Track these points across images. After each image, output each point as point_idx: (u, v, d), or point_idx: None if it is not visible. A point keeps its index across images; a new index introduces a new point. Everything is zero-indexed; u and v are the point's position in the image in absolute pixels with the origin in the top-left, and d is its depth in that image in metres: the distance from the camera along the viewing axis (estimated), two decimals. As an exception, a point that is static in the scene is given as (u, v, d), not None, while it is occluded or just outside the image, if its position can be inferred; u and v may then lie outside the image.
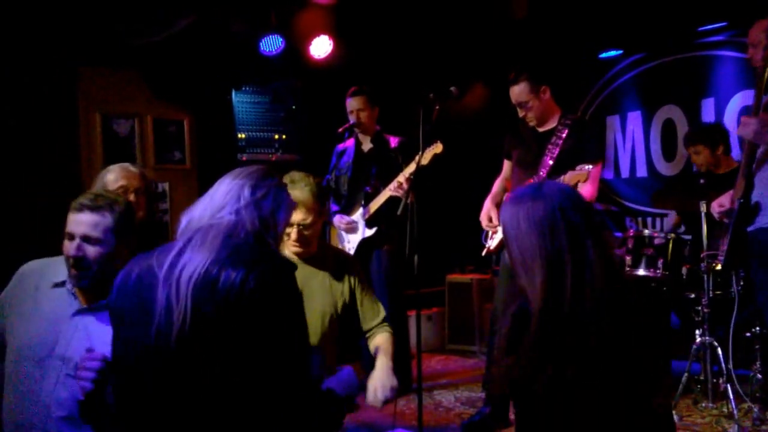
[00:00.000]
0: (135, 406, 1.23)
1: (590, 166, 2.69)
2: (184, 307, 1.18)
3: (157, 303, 1.21)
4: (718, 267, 3.22)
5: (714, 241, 2.97)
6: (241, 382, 1.17)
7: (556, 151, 2.91)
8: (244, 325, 1.18)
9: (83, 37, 3.77)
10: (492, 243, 3.14)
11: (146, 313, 1.22)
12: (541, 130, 3.03)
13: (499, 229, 3.01)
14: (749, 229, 2.52)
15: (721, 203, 2.62)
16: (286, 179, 1.93)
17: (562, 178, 2.71)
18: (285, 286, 1.26)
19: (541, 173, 2.91)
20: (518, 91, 2.96)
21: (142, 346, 1.22)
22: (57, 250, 3.31)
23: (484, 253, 3.21)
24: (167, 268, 1.23)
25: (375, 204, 3.45)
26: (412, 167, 3.22)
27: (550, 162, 2.90)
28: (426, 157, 3.12)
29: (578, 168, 2.68)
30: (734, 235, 2.55)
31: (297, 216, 1.96)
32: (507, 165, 3.26)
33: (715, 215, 2.69)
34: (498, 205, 3.15)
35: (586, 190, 2.86)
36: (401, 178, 3.27)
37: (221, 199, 1.33)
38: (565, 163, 2.81)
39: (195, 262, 1.22)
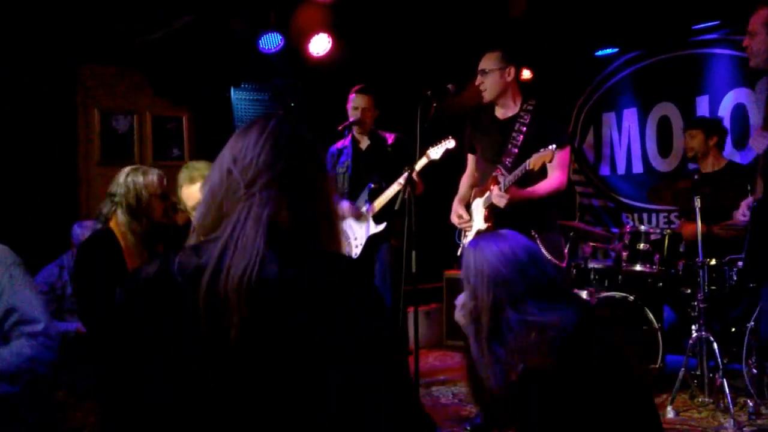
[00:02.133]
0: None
1: (554, 146, 2.59)
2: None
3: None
4: (713, 262, 3.26)
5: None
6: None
7: (520, 138, 2.83)
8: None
9: (83, 35, 3.77)
10: (466, 241, 3.11)
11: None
12: (502, 118, 2.94)
13: (473, 225, 2.98)
14: None
15: (745, 213, 2.53)
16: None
17: (527, 162, 2.63)
18: None
19: (507, 162, 2.83)
20: (486, 58, 2.92)
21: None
22: (53, 245, 3.31)
23: (459, 252, 3.19)
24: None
25: (383, 199, 3.45)
26: (423, 161, 3.18)
27: (515, 150, 2.82)
28: (438, 152, 3.12)
29: (542, 150, 2.60)
30: (755, 238, 2.39)
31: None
32: (471, 159, 3.15)
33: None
34: (466, 203, 3.07)
35: (556, 176, 2.80)
36: (414, 173, 3.23)
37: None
38: (529, 150, 2.70)
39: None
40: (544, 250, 2.79)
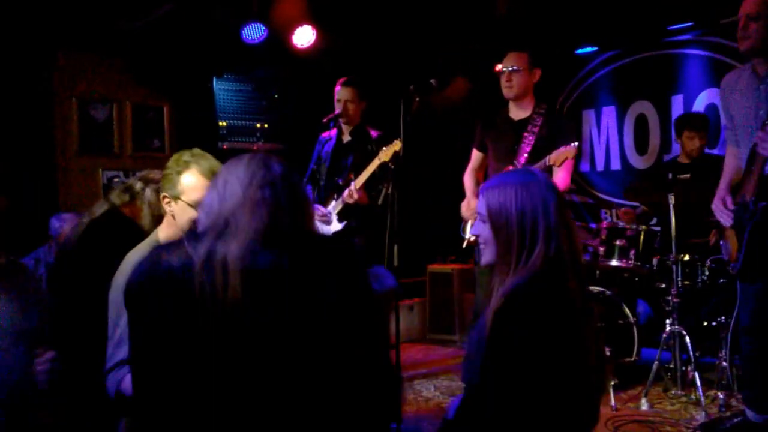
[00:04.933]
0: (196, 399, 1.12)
1: (576, 144, 2.74)
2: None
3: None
4: (686, 258, 3.35)
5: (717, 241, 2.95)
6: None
7: (533, 138, 2.96)
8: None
9: (61, 20, 3.67)
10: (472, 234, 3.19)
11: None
12: (516, 119, 3.08)
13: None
14: None
15: (726, 204, 2.48)
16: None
17: (547, 158, 2.76)
18: None
19: (520, 161, 2.95)
20: (516, 57, 3.03)
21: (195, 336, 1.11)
22: (29, 236, 3.22)
23: (465, 245, 3.26)
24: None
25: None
26: (375, 163, 3.27)
27: (528, 149, 2.95)
28: (387, 154, 3.18)
29: (563, 147, 2.73)
30: (752, 240, 2.39)
31: None
32: (476, 155, 3.27)
33: (724, 218, 2.53)
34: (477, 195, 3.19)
35: (561, 177, 2.93)
36: (353, 187, 3.34)
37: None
38: (541, 151, 2.85)
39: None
40: None
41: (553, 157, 2.74)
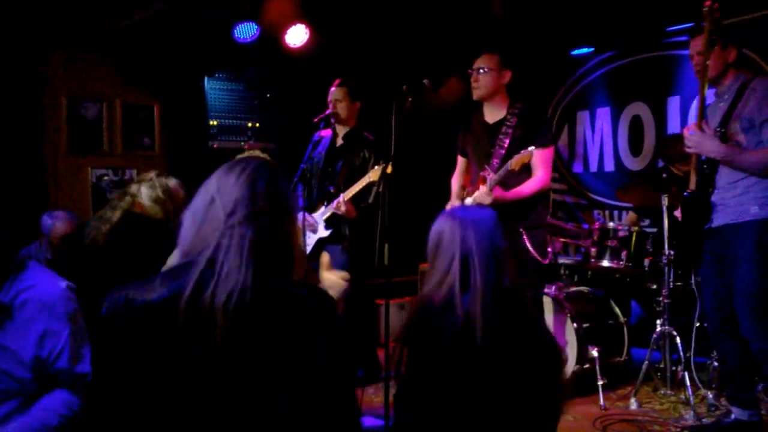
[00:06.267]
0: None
1: (533, 148, 2.74)
2: None
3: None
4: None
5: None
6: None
7: (507, 140, 2.96)
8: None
9: (51, 18, 3.68)
10: None
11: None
12: (490, 121, 3.08)
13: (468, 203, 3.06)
14: (706, 227, 2.61)
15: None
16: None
17: (508, 163, 2.77)
18: None
19: (494, 163, 2.95)
20: (486, 58, 3.02)
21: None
22: (19, 236, 3.21)
23: None
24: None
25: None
26: (365, 180, 3.29)
27: (502, 152, 2.95)
28: (376, 174, 3.20)
29: (522, 151, 2.73)
30: (684, 231, 2.66)
31: None
32: (461, 161, 3.30)
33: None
34: (460, 200, 3.20)
35: (540, 176, 2.92)
36: (341, 199, 3.36)
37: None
38: (516, 152, 2.84)
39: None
40: (529, 246, 2.88)
41: (513, 162, 2.74)
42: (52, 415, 1.53)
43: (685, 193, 2.64)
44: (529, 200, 2.93)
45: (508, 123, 2.99)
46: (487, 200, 2.83)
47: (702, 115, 2.56)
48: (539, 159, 2.86)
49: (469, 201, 3.02)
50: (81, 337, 1.59)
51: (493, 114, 3.08)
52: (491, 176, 2.88)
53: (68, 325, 1.56)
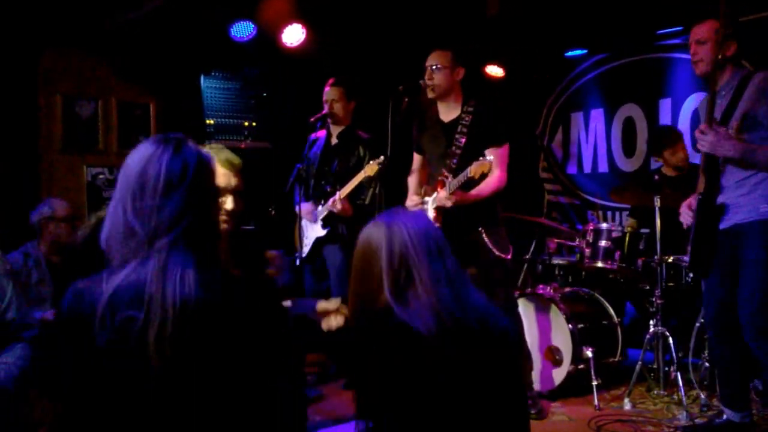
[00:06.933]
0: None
1: (491, 157, 2.72)
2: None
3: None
4: (671, 259, 3.38)
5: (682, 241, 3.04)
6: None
7: (463, 140, 2.92)
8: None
9: (45, 15, 3.64)
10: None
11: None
12: (446, 120, 3.02)
13: (428, 204, 3.02)
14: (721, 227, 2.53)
15: (691, 205, 2.62)
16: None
17: (468, 169, 2.72)
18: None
19: (451, 164, 2.92)
20: (438, 55, 2.97)
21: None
22: (11, 236, 3.19)
23: None
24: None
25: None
26: (361, 176, 3.29)
27: (458, 152, 2.92)
28: (372, 169, 3.18)
29: (480, 159, 2.70)
30: (697, 235, 2.55)
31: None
32: (417, 159, 3.24)
33: (686, 219, 2.65)
34: (421, 197, 3.11)
35: (497, 175, 2.89)
36: (337, 197, 3.36)
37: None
38: (472, 152, 2.82)
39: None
40: (490, 245, 2.89)
41: (472, 169, 2.69)
42: (14, 368, 1.86)
43: (699, 196, 2.56)
44: (488, 199, 2.92)
45: (463, 122, 2.94)
46: (448, 203, 2.82)
47: (712, 112, 2.46)
48: (496, 158, 2.81)
49: (429, 201, 3.00)
50: (21, 294, 1.97)
51: (448, 112, 3.02)
52: (450, 179, 2.85)
53: (10, 281, 1.93)
